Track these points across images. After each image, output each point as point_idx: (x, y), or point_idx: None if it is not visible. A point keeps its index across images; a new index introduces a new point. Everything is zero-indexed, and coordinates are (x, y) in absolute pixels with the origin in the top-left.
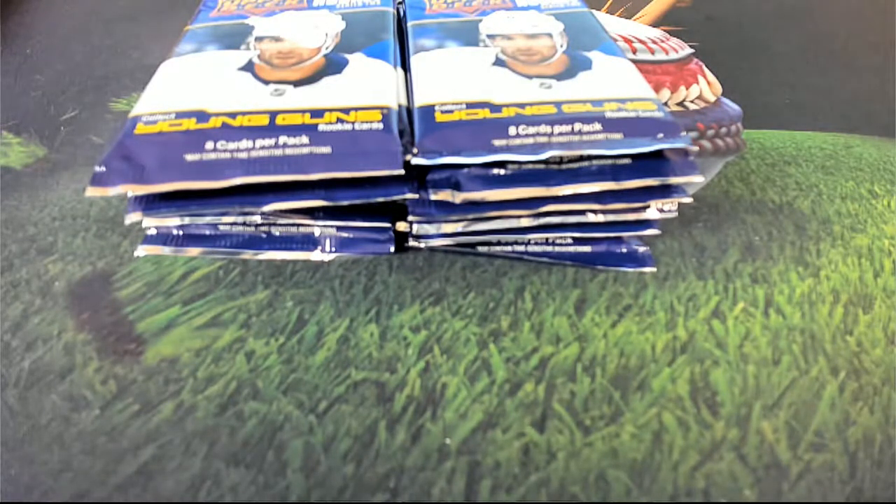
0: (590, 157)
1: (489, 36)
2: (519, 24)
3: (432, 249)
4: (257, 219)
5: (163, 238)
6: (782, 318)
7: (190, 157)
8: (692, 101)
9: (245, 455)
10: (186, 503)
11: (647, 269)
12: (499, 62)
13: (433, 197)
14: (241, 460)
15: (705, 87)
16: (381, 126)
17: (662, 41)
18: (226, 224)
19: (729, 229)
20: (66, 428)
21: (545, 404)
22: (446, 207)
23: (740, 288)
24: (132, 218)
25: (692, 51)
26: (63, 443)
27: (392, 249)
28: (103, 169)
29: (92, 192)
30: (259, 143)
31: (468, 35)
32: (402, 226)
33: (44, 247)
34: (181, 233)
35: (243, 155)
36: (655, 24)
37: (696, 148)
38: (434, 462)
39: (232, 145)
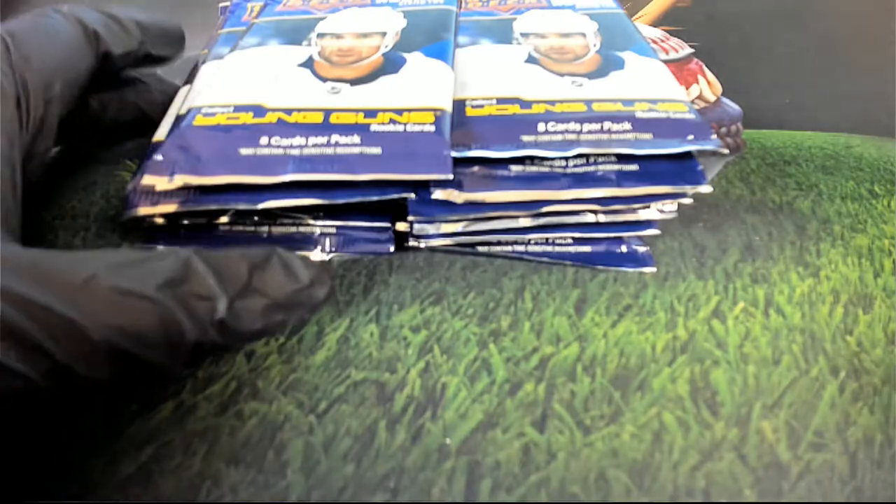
0: (595, 161)
1: (523, 34)
2: (553, 23)
3: (432, 249)
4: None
5: (163, 238)
6: (782, 318)
7: (244, 152)
8: (692, 102)
9: (245, 455)
10: (187, 503)
11: (647, 270)
12: (531, 59)
13: (435, 196)
14: (241, 460)
15: (705, 87)
16: (433, 129)
17: (662, 41)
18: (225, 224)
19: (729, 229)
20: (66, 428)
21: (545, 404)
22: (447, 207)
23: (740, 288)
24: (136, 213)
25: (692, 51)
26: (63, 442)
27: (392, 249)
28: (161, 158)
29: (149, 179)
30: (312, 140)
31: (502, 33)
32: (402, 226)
33: (44, 246)
34: (182, 231)
35: (295, 152)
36: (655, 24)
37: (726, 151)
38: (434, 462)
39: (286, 142)
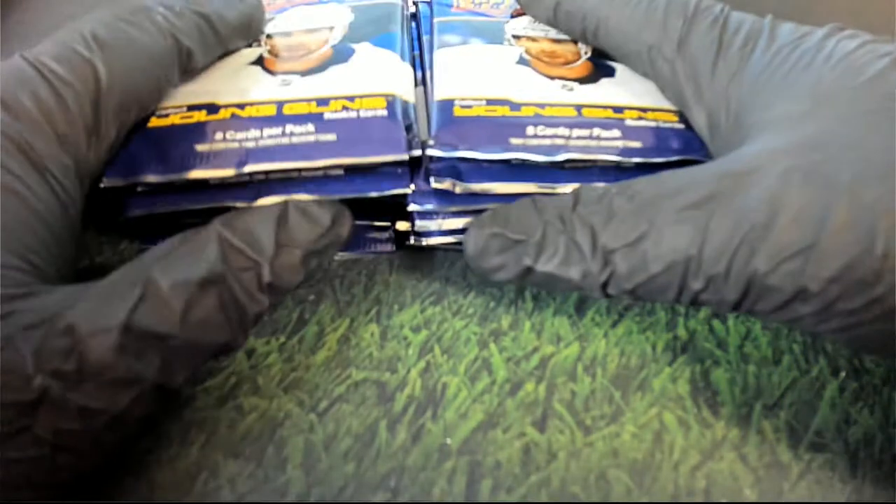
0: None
1: (514, 36)
2: (545, 28)
3: (433, 248)
4: None
5: (161, 237)
6: None
7: (200, 148)
8: None
9: (244, 448)
10: (184, 500)
11: None
12: (522, 61)
13: (434, 186)
14: (239, 453)
15: None
16: (385, 113)
17: None
18: None
19: None
20: None
21: (546, 404)
22: (447, 198)
23: None
24: (133, 214)
25: None
26: None
27: (393, 248)
28: (124, 156)
29: (107, 182)
30: (266, 132)
31: (493, 34)
32: (402, 225)
33: None
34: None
35: (251, 144)
36: None
37: None
38: (434, 462)
39: (240, 135)
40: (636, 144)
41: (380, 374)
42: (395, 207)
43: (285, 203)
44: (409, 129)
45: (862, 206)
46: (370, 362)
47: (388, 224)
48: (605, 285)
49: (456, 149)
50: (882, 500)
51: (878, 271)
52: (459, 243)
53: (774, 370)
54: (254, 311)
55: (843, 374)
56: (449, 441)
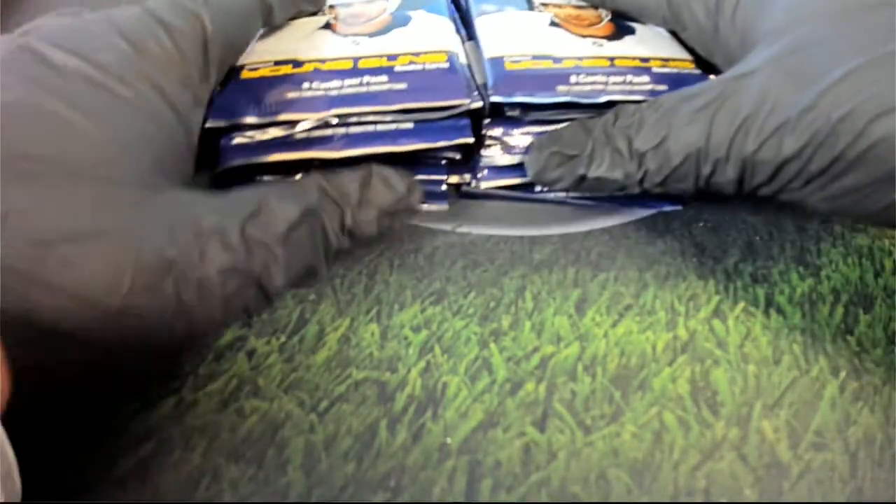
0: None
1: (542, 3)
2: None
3: (488, 196)
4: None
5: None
6: (783, 318)
7: (291, 95)
8: None
9: (245, 451)
10: (187, 502)
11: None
12: (554, 24)
13: (509, 114)
14: (241, 456)
15: None
16: (447, 66)
17: None
18: None
19: (729, 229)
20: (67, 424)
21: (546, 404)
22: (516, 124)
23: (741, 288)
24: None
25: None
26: (63, 439)
27: (446, 203)
28: (224, 102)
29: (212, 123)
30: (347, 82)
31: (524, 2)
32: (454, 178)
33: None
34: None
35: (334, 92)
36: None
37: None
38: (435, 461)
39: (324, 85)
40: (663, 88)
41: (380, 374)
42: (450, 162)
43: (369, 168)
44: (467, 86)
45: (827, 88)
46: (370, 362)
47: (443, 177)
48: (641, 181)
49: (513, 95)
50: (882, 500)
51: (834, 131)
52: (512, 187)
53: (774, 370)
54: (335, 247)
55: (843, 374)
56: (449, 441)
